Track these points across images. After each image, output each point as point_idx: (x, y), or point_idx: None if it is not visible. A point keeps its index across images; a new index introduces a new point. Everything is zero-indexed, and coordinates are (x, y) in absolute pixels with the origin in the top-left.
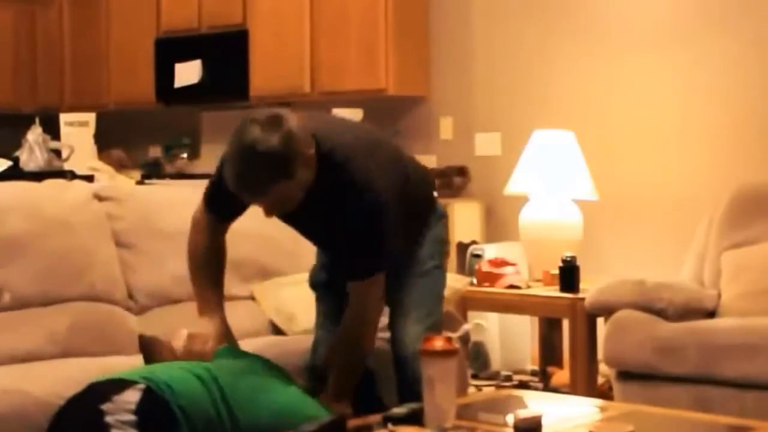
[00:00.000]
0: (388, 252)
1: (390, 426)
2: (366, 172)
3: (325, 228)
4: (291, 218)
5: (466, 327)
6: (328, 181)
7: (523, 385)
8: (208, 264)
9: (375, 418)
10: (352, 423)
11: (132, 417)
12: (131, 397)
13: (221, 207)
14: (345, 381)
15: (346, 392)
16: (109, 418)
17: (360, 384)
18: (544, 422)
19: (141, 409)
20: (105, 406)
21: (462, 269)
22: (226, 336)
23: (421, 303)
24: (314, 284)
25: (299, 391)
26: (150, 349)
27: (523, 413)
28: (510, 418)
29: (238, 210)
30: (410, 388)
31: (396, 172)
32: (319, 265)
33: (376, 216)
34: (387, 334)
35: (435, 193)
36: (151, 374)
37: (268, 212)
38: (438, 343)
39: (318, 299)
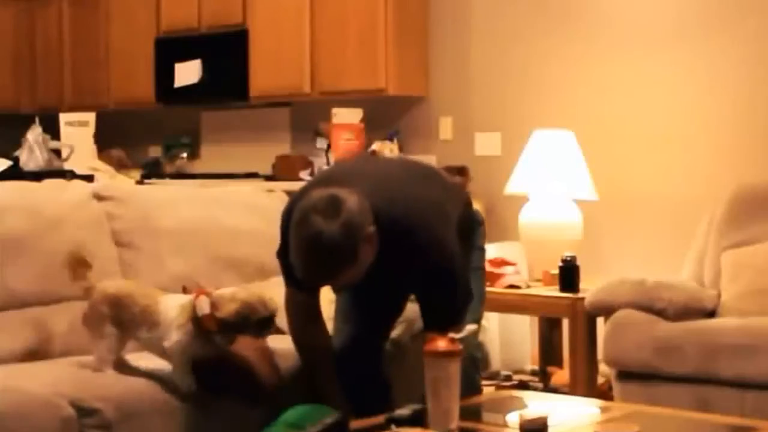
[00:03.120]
0: (463, 294)
1: (394, 427)
2: (430, 237)
3: (387, 284)
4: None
5: (468, 328)
6: (390, 248)
7: (523, 385)
8: (317, 348)
9: (378, 419)
10: (355, 424)
11: None
12: None
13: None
14: None
15: None
16: None
17: (375, 396)
18: (548, 423)
19: None
20: None
21: None
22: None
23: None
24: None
25: None
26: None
27: (528, 414)
28: (514, 419)
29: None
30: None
31: (451, 219)
32: None
33: (449, 272)
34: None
35: (473, 206)
36: None
37: (337, 291)
38: (441, 344)
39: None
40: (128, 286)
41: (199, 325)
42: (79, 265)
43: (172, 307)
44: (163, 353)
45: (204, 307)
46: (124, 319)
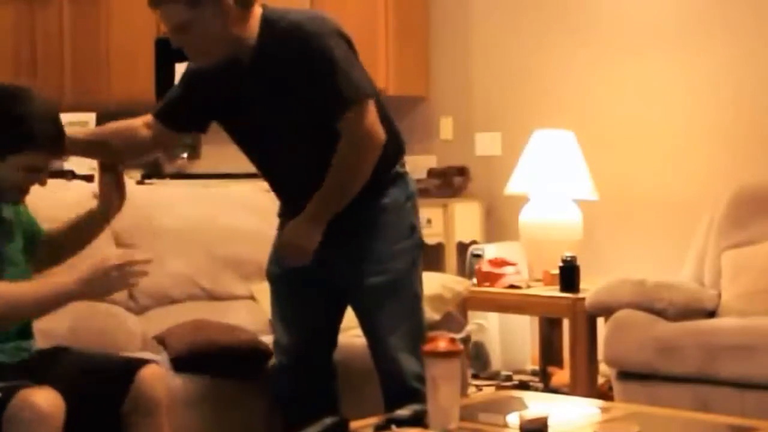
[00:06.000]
0: (357, 70)
1: (394, 428)
2: (312, 22)
3: (283, 116)
4: (242, 124)
5: (468, 328)
6: (272, 52)
7: (523, 385)
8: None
9: (376, 420)
10: (354, 425)
11: None
12: None
13: (169, 108)
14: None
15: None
16: None
17: (320, 381)
18: (548, 423)
19: None
20: None
21: (462, 269)
22: None
23: (400, 323)
24: (269, 276)
25: None
26: None
27: (528, 414)
28: (515, 419)
29: (183, 117)
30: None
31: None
32: (272, 254)
33: (324, 40)
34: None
35: (404, 162)
36: None
37: (176, 40)
38: (442, 344)
39: (272, 293)
40: None
41: None
42: None
43: None
44: None
45: None
46: None
